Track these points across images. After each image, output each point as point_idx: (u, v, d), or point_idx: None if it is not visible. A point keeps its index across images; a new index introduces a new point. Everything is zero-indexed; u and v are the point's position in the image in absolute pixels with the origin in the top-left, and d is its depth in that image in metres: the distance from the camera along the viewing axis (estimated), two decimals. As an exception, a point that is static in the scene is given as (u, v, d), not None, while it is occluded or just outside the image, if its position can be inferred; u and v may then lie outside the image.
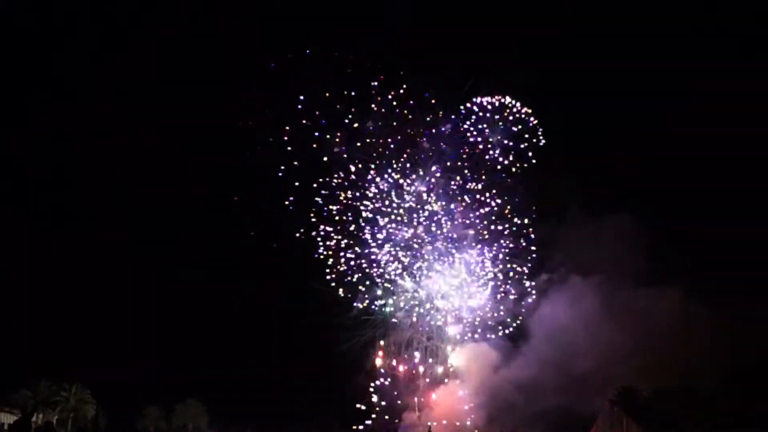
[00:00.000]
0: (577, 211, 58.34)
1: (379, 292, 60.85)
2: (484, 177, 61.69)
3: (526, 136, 62.04)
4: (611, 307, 53.96)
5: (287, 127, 60.03)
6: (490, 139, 61.94)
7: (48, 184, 74.05)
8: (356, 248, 60.91)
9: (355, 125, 60.30)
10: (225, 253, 68.18)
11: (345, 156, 60.42)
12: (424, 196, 61.39)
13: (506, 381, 55.46)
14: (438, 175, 61.25)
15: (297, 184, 60.11)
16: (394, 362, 61.17)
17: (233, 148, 63.83)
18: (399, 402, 60.42)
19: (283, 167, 60.16)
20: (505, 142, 62.00)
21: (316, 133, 60.03)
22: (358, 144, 60.60)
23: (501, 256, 61.16)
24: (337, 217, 60.81)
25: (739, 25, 62.79)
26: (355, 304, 60.12)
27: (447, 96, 61.35)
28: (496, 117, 62.21)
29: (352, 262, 60.75)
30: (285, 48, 61.10)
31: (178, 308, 70.66)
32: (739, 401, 40.80)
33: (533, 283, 60.64)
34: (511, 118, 62.31)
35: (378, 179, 60.89)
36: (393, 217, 61.12)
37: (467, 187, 61.52)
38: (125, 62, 71.60)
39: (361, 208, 60.95)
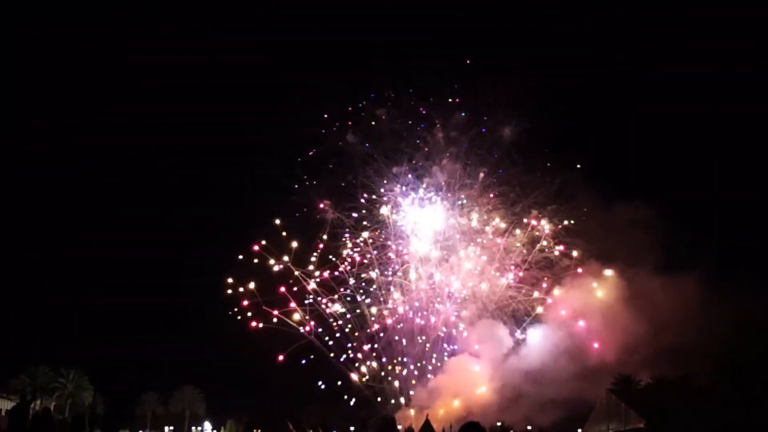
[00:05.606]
0: (596, 199, 58.86)
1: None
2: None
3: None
4: (627, 296, 54.91)
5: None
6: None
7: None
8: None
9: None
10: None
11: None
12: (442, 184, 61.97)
13: (517, 370, 55.89)
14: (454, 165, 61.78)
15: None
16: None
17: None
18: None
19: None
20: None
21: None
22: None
23: (519, 244, 61.38)
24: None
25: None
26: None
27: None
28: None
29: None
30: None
31: (176, 295, 70.49)
32: (738, 391, 41.87)
33: (550, 272, 61.11)
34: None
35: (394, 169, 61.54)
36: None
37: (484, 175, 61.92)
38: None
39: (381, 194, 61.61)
